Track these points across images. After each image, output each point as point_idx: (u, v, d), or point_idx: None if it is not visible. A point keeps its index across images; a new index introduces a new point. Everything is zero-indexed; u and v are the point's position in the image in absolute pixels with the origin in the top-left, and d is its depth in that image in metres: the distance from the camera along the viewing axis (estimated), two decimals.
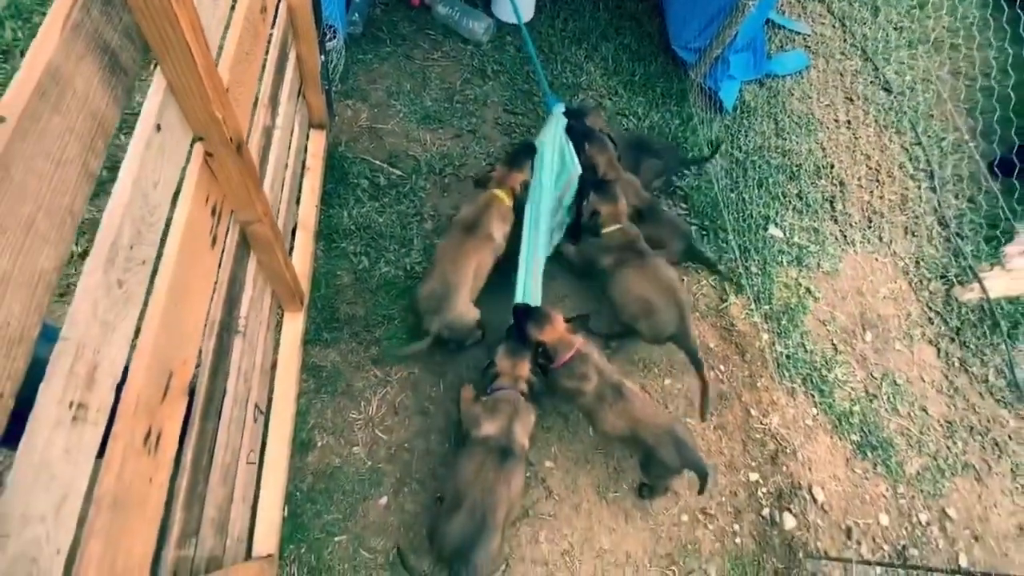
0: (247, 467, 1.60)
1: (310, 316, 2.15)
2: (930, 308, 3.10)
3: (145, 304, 0.95)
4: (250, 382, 1.59)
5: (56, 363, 0.70)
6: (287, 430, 1.90)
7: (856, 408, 2.64)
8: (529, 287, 2.14)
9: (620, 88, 3.22)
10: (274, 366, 1.96)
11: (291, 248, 2.16)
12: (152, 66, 0.94)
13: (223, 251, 1.31)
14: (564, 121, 2.42)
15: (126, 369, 0.89)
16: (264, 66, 1.68)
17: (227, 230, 1.32)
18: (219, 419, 1.37)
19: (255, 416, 1.67)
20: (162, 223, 0.97)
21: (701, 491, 1.97)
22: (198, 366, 1.23)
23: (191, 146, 1.11)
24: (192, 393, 1.20)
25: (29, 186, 0.61)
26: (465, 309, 2.03)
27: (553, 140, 2.36)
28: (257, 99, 1.63)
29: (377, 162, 2.61)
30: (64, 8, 0.66)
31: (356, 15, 2.95)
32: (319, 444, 1.97)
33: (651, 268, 2.16)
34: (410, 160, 2.67)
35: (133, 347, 0.90)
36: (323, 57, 2.21)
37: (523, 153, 2.32)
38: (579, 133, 2.41)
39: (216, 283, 1.32)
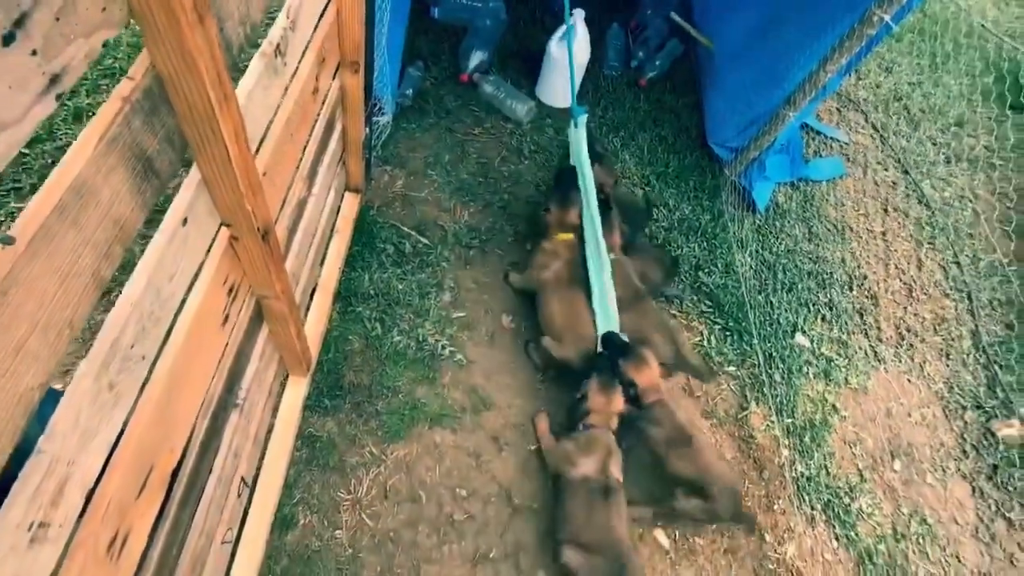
0: (221, 547, 1.50)
1: (314, 380, 2.10)
2: (965, 439, 2.90)
3: (138, 397, 0.91)
4: (240, 457, 1.53)
5: (24, 482, 0.65)
6: (271, 503, 1.80)
7: (882, 547, 2.42)
8: (608, 311, 2.25)
9: (653, 178, 3.25)
10: (271, 430, 1.89)
11: (308, 309, 2.15)
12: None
13: (233, 328, 1.28)
14: (585, 133, 2.53)
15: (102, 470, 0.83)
16: (307, 143, 1.72)
17: (241, 307, 1.30)
18: (199, 503, 1.30)
19: (239, 491, 1.59)
20: (171, 316, 0.95)
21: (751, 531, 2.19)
22: (186, 450, 1.18)
23: (217, 231, 1.11)
24: (174, 479, 1.14)
25: (27, 308, 0.58)
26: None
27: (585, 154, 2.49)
28: (296, 173, 1.66)
29: (406, 229, 2.64)
30: (103, 124, 0.66)
31: (409, 89, 3.08)
32: (301, 522, 1.86)
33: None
34: (438, 230, 2.68)
35: (114, 448, 0.85)
36: (367, 129, 2.27)
37: (570, 187, 2.44)
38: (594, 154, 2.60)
39: (220, 360, 1.29)
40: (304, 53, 1.46)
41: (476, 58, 3.25)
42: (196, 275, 1.05)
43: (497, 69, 3.40)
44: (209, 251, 1.09)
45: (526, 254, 2.60)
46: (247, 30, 1.01)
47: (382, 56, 2.31)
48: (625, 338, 2.23)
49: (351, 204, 2.48)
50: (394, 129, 2.94)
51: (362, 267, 2.43)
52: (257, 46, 1.17)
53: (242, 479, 1.59)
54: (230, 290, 1.20)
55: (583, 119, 2.52)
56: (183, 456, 1.17)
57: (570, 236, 2.42)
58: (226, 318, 1.20)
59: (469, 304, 2.53)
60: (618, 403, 2.00)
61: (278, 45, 1.20)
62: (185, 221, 0.93)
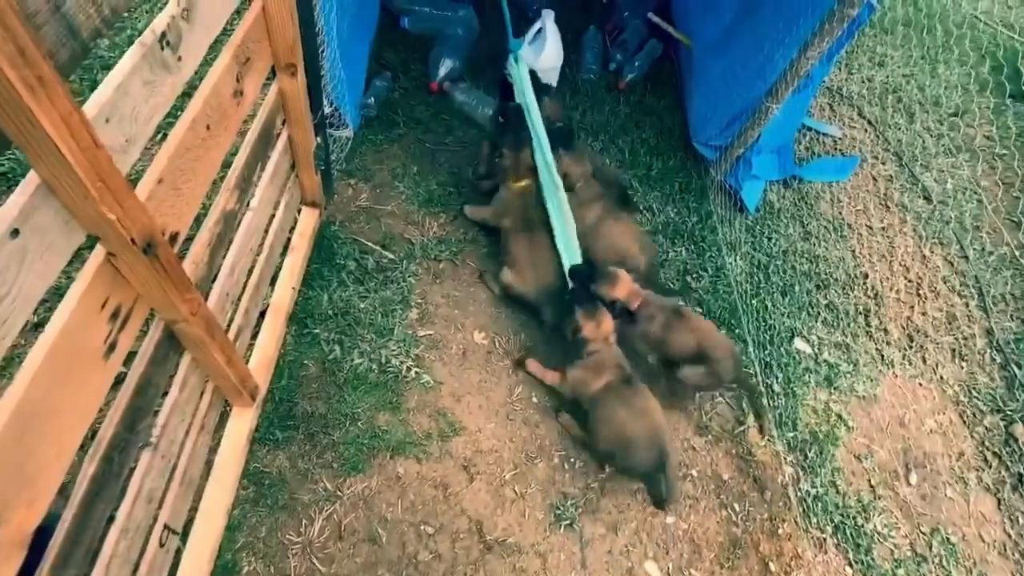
0: None
1: (264, 411, 1.93)
2: (986, 447, 2.67)
3: None
4: (155, 502, 1.36)
5: None
6: (209, 551, 1.63)
7: (900, 571, 2.19)
8: (571, 245, 2.27)
9: (635, 182, 3.10)
10: (211, 468, 1.72)
11: (256, 332, 1.99)
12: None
13: (127, 359, 1.12)
14: (526, 68, 2.52)
15: None
16: (236, 151, 1.58)
17: (137, 335, 1.14)
18: (94, 561, 1.13)
19: (162, 540, 1.42)
20: (7, 342, 0.79)
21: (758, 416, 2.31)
22: (65, 500, 1.01)
23: (92, 246, 0.96)
24: (45, 537, 0.97)
25: None
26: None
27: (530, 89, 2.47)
28: (220, 183, 1.52)
29: (369, 244, 2.49)
30: None
31: (372, 99, 2.96)
32: (244, 570, 1.68)
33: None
34: (404, 244, 2.53)
35: None
36: (318, 139, 2.14)
37: (519, 127, 2.40)
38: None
39: (113, 397, 1.13)
40: (217, 51, 1.32)
41: (446, 66, 3.13)
42: (49, 300, 0.89)
43: (469, 77, 3.28)
44: (73, 271, 0.94)
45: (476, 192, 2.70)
46: (104, 12, 0.87)
47: (335, 64, 2.19)
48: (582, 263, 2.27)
49: (308, 220, 2.34)
50: (359, 141, 2.82)
51: (320, 286, 2.28)
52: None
53: (165, 527, 1.42)
54: (114, 315, 1.04)
55: (522, 53, 2.54)
56: (59, 511, 1.00)
57: (526, 183, 2.43)
58: (111, 347, 1.05)
59: (438, 321, 2.37)
60: (608, 323, 2.07)
61: (163, 36, 1.06)
62: (16, 232, 0.78)
